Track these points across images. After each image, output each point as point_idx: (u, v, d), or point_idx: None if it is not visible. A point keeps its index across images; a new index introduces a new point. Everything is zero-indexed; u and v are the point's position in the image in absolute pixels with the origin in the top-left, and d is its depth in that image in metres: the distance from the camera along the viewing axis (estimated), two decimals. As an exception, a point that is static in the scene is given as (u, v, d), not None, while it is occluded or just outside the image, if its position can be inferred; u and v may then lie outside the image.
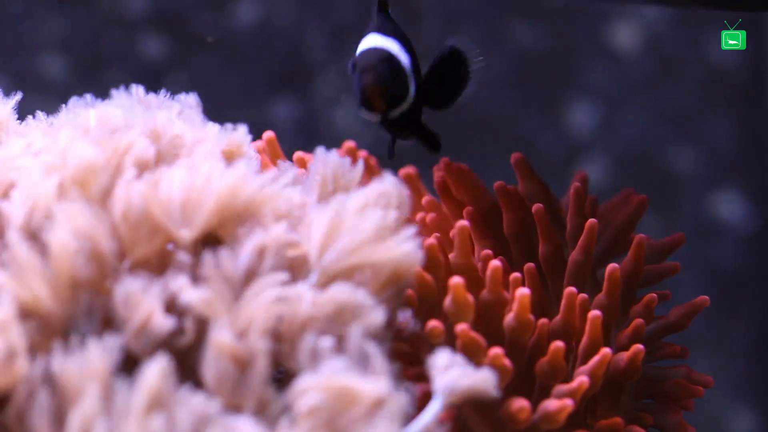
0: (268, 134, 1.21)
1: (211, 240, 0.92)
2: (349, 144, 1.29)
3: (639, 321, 1.07)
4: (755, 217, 1.94)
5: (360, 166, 1.03)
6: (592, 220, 1.10)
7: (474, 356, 0.98)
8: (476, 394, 0.89)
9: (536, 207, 1.12)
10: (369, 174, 1.24)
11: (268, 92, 1.94)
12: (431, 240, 1.04)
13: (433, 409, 0.89)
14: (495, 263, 1.02)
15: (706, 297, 1.14)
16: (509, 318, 1.01)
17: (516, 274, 1.03)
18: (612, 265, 1.08)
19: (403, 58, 1.09)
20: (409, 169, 1.25)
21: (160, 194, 0.89)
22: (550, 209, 1.17)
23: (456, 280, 0.99)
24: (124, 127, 0.97)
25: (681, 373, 1.12)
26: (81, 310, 0.87)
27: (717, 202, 1.94)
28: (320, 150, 1.04)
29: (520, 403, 0.98)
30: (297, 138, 1.91)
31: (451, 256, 1.05)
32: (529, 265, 1.09)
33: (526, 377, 1.03)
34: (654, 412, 1.10)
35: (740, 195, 1.94)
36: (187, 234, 0.89)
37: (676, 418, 1.10)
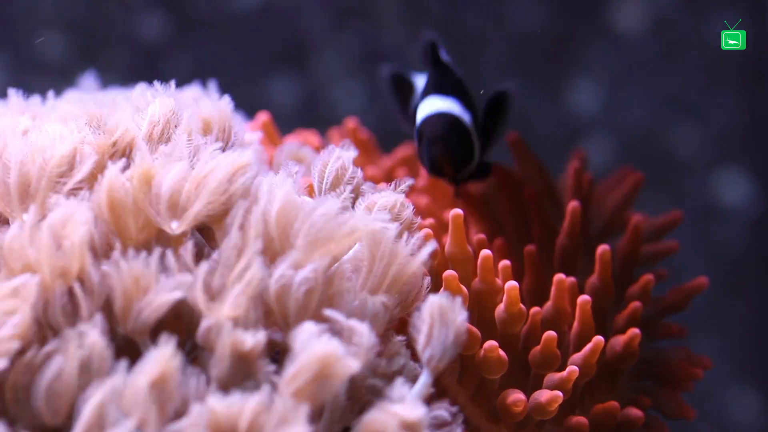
0: (263, 117, 1.19)
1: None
2: (351, 124, 1.27)
3: (636, 304, 1.06)
4: (760, 198, 1.93)
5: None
6: (574, 204, 1.09)
7: (469, 349, 0.98)
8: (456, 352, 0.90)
9: (528, 191, 1.12)
10: (367, 157, 1.23)
11: (268, 71, 1.94)
12: (426, 228, 1.03)
13: (424, 380, 0.90)
14: (485, 252, 1.02)
15: (705, 278, 1.13)
16: (500, 310, 1.01)
17: (505, 263, 1.03)
18: (602, 247, 1.07)
19: (466, 118, 1.08)
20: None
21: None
22: (546, 190, 1.17)
23: (449, 273, 0.99)
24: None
25: (680, 354, 1.11)
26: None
27: (721, 183, 1.93)
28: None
29: (515, 396, 0.99)
30: (298, 116, 1.91)
31: (446, 244, 1.04)
32: (529, 248, 1.08)
33: (521, 365, 1.03)
34: (653, 394, 1.09)
35: (745, 176, 1.93)
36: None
37: (675, 399, 1.10)
